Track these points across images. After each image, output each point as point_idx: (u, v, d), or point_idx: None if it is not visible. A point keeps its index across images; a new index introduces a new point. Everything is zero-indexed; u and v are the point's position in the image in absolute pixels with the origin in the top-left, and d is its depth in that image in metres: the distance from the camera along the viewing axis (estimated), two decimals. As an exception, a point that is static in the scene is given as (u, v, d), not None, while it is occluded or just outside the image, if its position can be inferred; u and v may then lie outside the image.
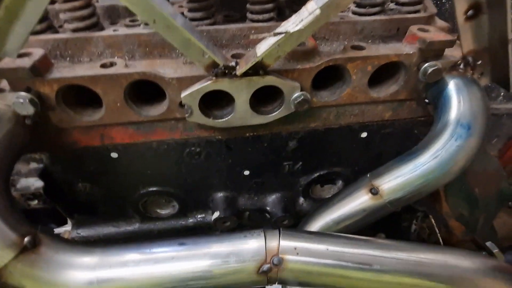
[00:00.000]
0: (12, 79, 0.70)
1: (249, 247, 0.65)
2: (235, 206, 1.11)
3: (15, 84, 0.71)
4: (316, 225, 0.88)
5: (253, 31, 0.85)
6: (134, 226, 1.13)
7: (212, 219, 1.06)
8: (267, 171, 1.06)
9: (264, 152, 1.00)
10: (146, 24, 0.87)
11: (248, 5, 0.89)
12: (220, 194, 1.09)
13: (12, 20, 0.59)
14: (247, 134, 0.94)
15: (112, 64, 0.77)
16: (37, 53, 0.72)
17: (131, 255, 0.65)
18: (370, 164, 1.02)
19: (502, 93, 1.65)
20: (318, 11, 0.62)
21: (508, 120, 1.65)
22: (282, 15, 0.95)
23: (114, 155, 0.91)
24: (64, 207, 1.04)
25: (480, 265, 0.68)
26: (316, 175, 1.09)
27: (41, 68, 0.72)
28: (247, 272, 0.64)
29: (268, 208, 1.14)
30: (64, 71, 0.75)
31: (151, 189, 1.02)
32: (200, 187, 1.06)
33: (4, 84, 0.74)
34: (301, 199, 1.17)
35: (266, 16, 0.87)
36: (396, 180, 0.78)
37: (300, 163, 1.05)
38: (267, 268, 0.63)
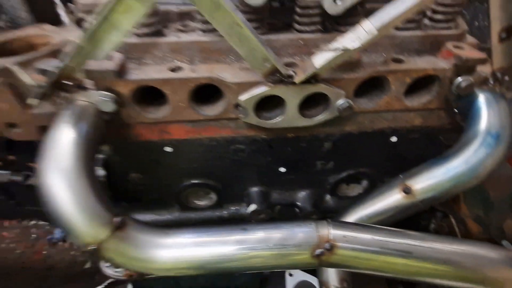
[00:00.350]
0: (97, 80, 0.79)
1: (304, 234, 0.74)
2: (268, 200, 1.20)
3: (98, 84, 0.80)
4: (351, 219, 0.97)
5: (301, 42, 0.94)
6: (174, 215, 1.22)
7: (249, 211, 1.15)
8: (301, 168, 1.14)
9: (301, 151, 1.08)
10: (204, 31, 0.95)
11: (296, 17, 0.97)
12: (255, 189, 1.18)
13: (109, 30, 0.68)
14: (289, 135, 1.03)
15: (179, 68, 0.86)
16: (117, 56, 0.81)
17: (201, 237, 0.74)
18: (395, 165, 1.10)
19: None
20: (376, 32, 0.70)
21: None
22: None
23: (168, 149, 1.00)
24: (115, 195, 1.12)
25: (506, 257, 0.78)
26: (344, 174, 1.18)
27: (121, 70, 0.80)
28: (302, 255, 0.73)
29: (298, 203, 1.23)
30: (137, 73, 0.84)
31: (194, 181, 1.11)
32: (238, 181, 1.14)
33: (85, 82, 0.83)
34: (328, 196, 1.26)
35: (313, 28, 0.95)
36: (429, 181, 0.87)
37: (332, 162, 1.14)
38: (320, 252, 0.72)
